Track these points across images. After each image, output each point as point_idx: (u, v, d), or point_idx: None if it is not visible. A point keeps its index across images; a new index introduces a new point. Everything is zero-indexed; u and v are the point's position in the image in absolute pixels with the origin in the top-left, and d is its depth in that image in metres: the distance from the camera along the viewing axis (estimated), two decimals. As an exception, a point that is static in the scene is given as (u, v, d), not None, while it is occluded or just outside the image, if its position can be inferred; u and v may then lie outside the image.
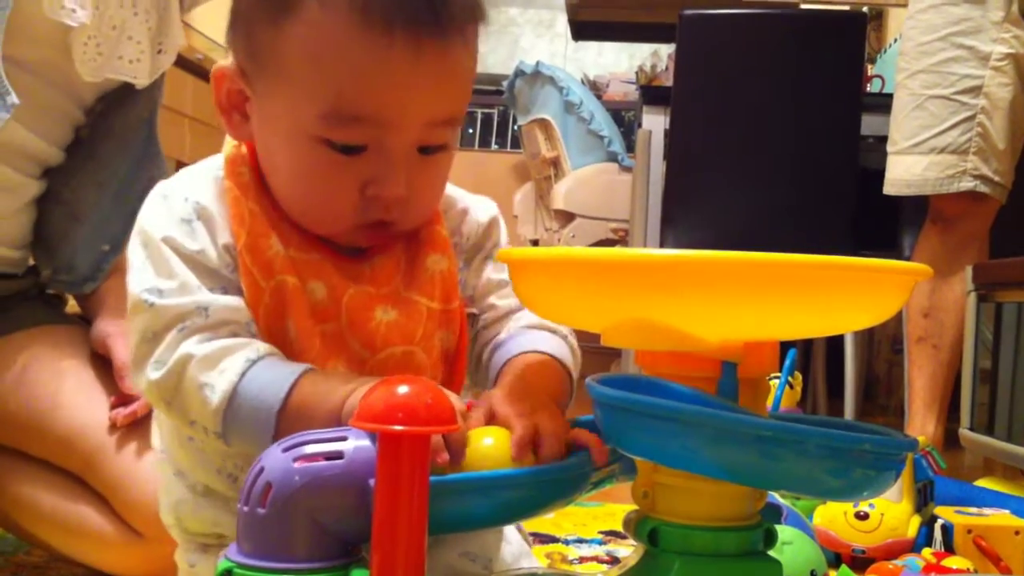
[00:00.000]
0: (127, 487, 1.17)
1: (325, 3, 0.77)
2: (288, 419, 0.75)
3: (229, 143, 0.88)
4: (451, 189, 0.92)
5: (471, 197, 0.95)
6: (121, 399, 1.22)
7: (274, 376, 0.77)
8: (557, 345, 0.88)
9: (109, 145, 1.36)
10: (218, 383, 0.77)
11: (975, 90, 2.10)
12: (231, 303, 0.80)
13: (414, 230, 0.87)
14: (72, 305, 1.47)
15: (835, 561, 1.49)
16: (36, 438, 1.23)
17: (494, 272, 0.92)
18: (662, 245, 2.82)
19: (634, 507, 0.72)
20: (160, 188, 0.86)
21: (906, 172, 2.18)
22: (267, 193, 0.85)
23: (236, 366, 0.77)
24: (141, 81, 1.34)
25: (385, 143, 0.79)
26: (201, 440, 0.82)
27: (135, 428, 1.20)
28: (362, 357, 0.84)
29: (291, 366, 0.78)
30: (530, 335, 0.89)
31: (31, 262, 1.39)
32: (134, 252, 0.83)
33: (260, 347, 0.79)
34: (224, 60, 0.86)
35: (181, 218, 0.82)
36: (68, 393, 1.24)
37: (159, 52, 1.36)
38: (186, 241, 0.81)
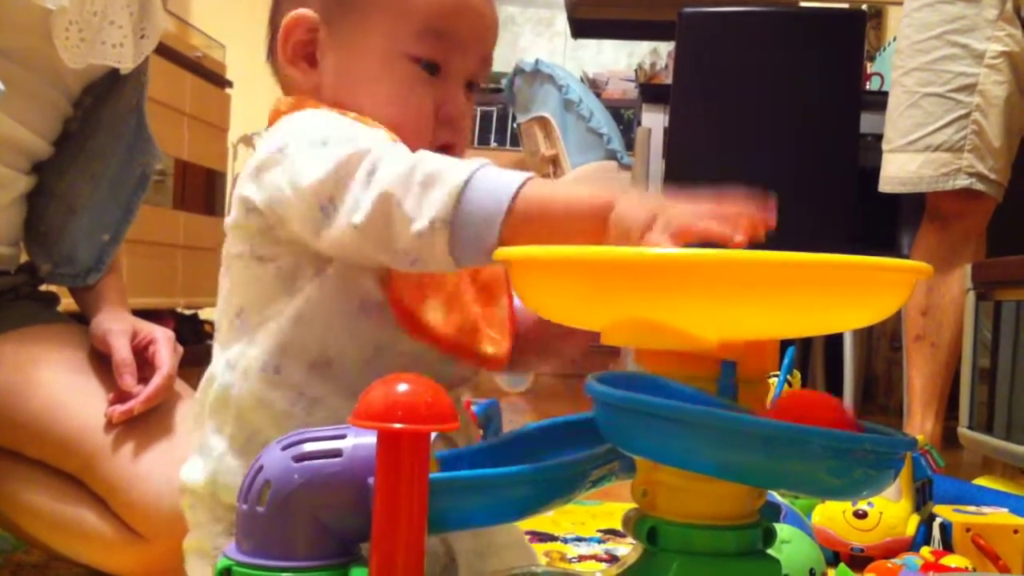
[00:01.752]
0: (127, 488, 1.17)
1: None
2: (520, 211, 0.73)
3: (299, 103, 0.90)
4: None
5: None
6: (119, 396, 1.21)
7: (502, 176, 0.75)
8: None
9: (100, 137, 1.36)
10: (456, 169, 0.74)
11: (970, 88, 2.10)
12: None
13: None
14: (65, 304, 1.46)
15: (834, 560, 1.49)
16: (34, 440, 1.22)
17: None
18: (661, 243, 2.82)
19: (633, 506, 0.72)
20: (299, 114, 0.88)
21: (901, 170, 2.18)
22: None
23: (460, 174, 0.74)
24: (125, 65, 1.33)
25: (453, 66, 0.91)
26: (414, 250, 0.76)
27: (133, 428, 1.19)
28: (472, 273, 0.92)
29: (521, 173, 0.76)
30: None
31: (23, 259, 1.39)
32: (280, 149, 0.83)
33: (476, 160, 0.77)
34: (297, 11, 0.92)
35: (336, 119, 0.85)
36: (65, 394, 1.23)
37: (142, 37, 1.36)
38: (348, 121, 0.84)
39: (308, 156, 0.80)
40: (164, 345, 1.26)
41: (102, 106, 1.37)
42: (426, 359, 0.86)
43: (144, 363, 1.25)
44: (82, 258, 1.36)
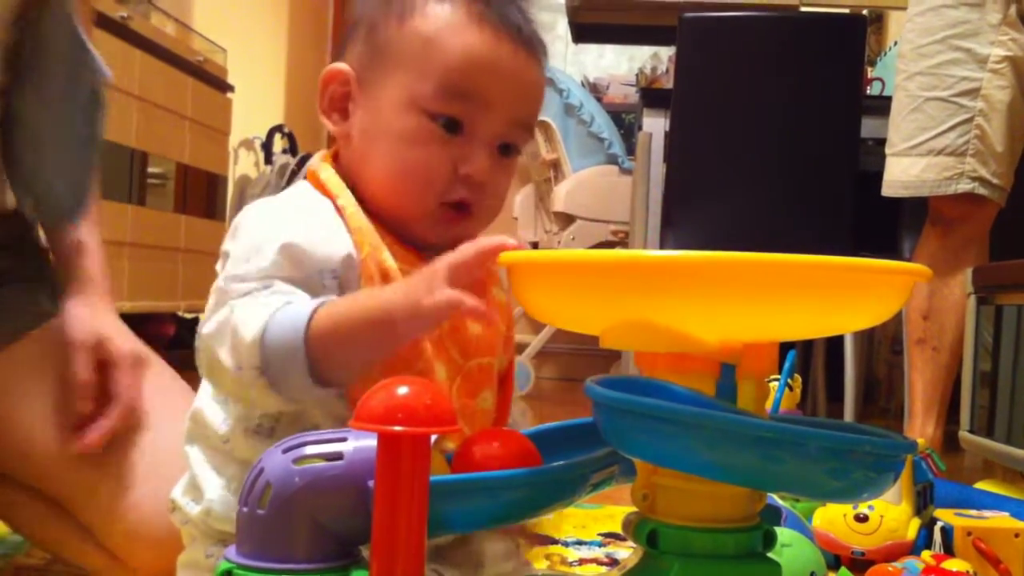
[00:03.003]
0: (108, 531, 1.15)
1: (446, 3, 0.91)
2: (319, 333, 0.78)
3: (322, 168, 0.93)
4: None
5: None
6: (81, 421, 1.17)
7: (305, 302, 0.80)
8: None
9: (41, 56, 1.30)
10: (254, 319, 0.80)
11: (973, 92, 2.10)
12: (296, 293, 0.83)
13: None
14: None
15: (834, 563, 1.48)
16: (17, 466, 1.21)
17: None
18: (662, 247, 2.82)
19: (633, 509, 0.73)
20: (265, 203, 0.91)
21: (904, 174, 2.18)
22: (368, 214, 0.90)
23: (275, 302, 0.80)
24: None
25: (478, 125, 0.90)
26: (250, 395, 0.83)
27: (107, 465, 1.17)
28: (458, 363, 0.90)
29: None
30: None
31: (11, 205, 1.32)
32: (232, 259, 0.86)
33: (302, 295, 0.82)
34: (334, 65, 0.95)
35: (302, 223, 0.87)
36: (40, 426, 1.19)
37: None
38: (303, 242, 0.85)
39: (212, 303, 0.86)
40: (124, 372, 1.20)
41: (38, 21, 1.30)
42: None
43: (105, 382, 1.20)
44: (60, 192, 1.30)
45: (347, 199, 0.90)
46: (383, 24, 0.92)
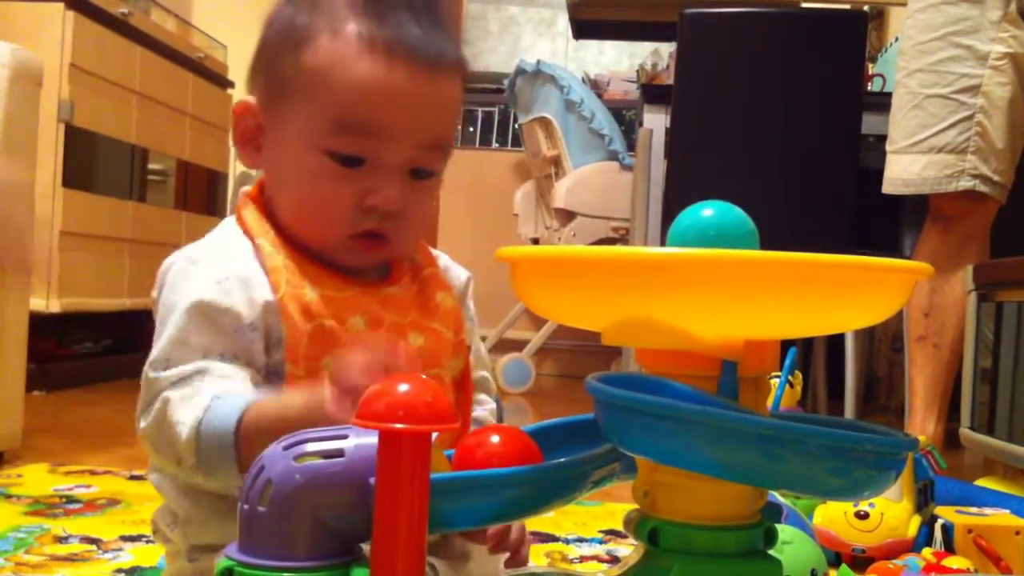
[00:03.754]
0: None
1: (336, 34, 0.88)
2: (247, 437, 0.79)
3: (244, 204, 0.94)
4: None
5: (443, 255, 1.03)
6: None
7: (233, 401, 0.81)
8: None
9: None
10: (187, 419, 0.81)
11: (973, 89, 2.10)
12: (232, 371, 0.85)
13: (416, 269, 0.96)
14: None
15: (835, 560, 1.49)
16: None
17: (471, 318, 1.02)
18: (663, 243, 2.82)
19: (634, 506, 0.72)
20: (185, 253, 0.91)
21: (904, 171, 2.18)
22: (290, 244, 0.91)
23: (203, 402, 0.82)
24: None
25: (381, 157, 0.88)
26: (192, 479, 0.85)
27: None
28: None
29: (254, 394, 0.82)
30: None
31: None
32: (158, 314, 0.88)
33: (233, 386, 0.83)
34: (242, 99, 0.95)
35: (214, 278, 0.87)
36: None
37: None
38: (215, 299, 0.86)
39: (158, 310, 0.89)
40: None
41: None
42: None
43: None
44: None
45: (265, 238, 0.90)
46: (280, 57, 0.91)
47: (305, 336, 0.86)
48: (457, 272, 1.03)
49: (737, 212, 0.70)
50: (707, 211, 0.69)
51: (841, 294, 0.64)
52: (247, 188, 0.96)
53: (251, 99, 0.93)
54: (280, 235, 0.91)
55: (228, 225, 0.94)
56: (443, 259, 1.02)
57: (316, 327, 0.87)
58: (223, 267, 0.87)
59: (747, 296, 0.62)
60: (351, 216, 0.88)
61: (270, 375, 0.87)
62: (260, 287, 0.87)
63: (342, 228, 0.89)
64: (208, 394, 0.82)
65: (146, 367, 0.86)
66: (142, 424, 0.86)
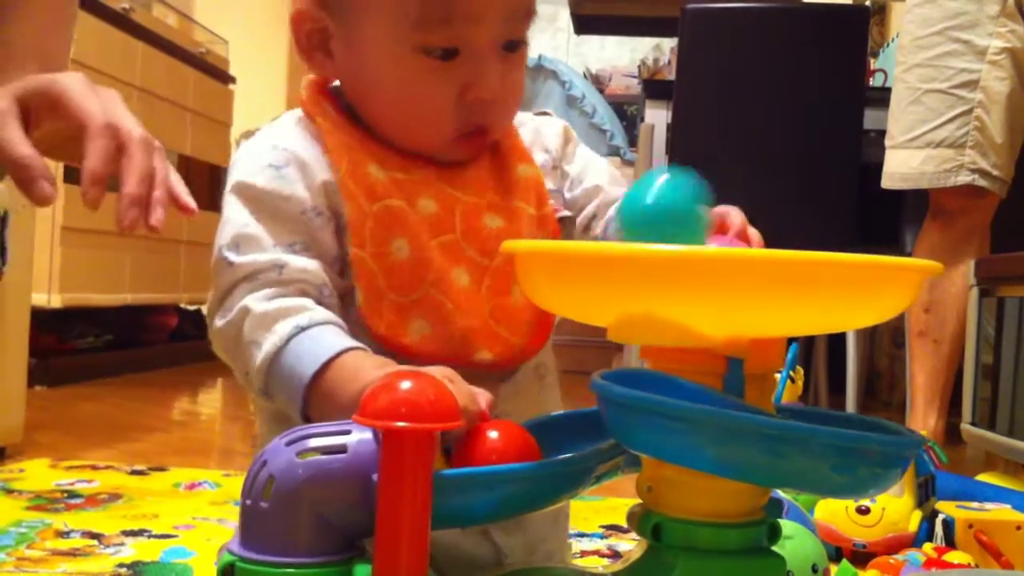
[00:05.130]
0: None
1: None
2: (317, 393, 0.76)
3: (305, 88, 0.90)
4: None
5: (535, 117, 0.98)
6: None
7: (314, 348, 0.77)
8: None
9: None
10: (265, 344, 0.78)
11: (972, 84, 2.10)
12: (308, 265, 0.82)
13: (496, 143, 0.91)
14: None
15: (836, 555, 1.49)
16: None
17: (583, 153, 0.98)
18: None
19: (637, 501, 0.72)
20: (247, 142, 0.88)
21: (903, 166, 2.18)
22: (357, 126, 0.87)
23: (285, 330, 0.78)
24: None
25: (475, 43, 0.83)
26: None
27: None
28: (480, 264, 0.86)
29: (337, 340, 0.78)
30: None
31: None
32: (224, 204, 0.85)
33: (316, 314, 0.80)
34: (298, 5, 0.88)
35: (270, 164, 0.84)
36: None
37: None
38: (275, 187, 0.83)
39: (225, 202, 0.86)
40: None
41: None
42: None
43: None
44: None
45: (327, 117, 0.86)
46: None
47: (371, 217, 0.83)
48: (550, 129, 0.97)
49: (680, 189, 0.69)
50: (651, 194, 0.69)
51: (848, 293, 0.64)
52: (305, 79, 0.91)
53: (304, 4, 0.87)
54: (344, 116, 0.87)
55: (290, 113, 0.89)
56: (532, 123, 0.97)
57: (382, 208, 0.83)
58: (281, 152, 0.84)
59: (754, 294, 0.62)
60: (456, 115, 0.84)
61: (345, 268, 0.84)
62: (319, 168, 0.84)
63: (449, 129, 0.85)
64: (291, 320, 0.78)
65: (216, 251, 0.83)
66: (217, 323, 0.82)
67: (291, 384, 0.77)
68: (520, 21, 0.86)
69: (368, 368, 0.76)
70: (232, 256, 0.82)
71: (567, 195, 0.96)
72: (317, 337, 0.78)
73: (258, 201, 0.83)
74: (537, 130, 0.96)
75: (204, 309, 0.85)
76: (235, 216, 0.83)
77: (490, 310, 0.86)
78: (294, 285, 0.81)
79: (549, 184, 0.93)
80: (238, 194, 0.84)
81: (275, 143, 0.85)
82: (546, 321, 0.90)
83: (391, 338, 0.83)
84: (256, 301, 0.80)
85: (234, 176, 0.85)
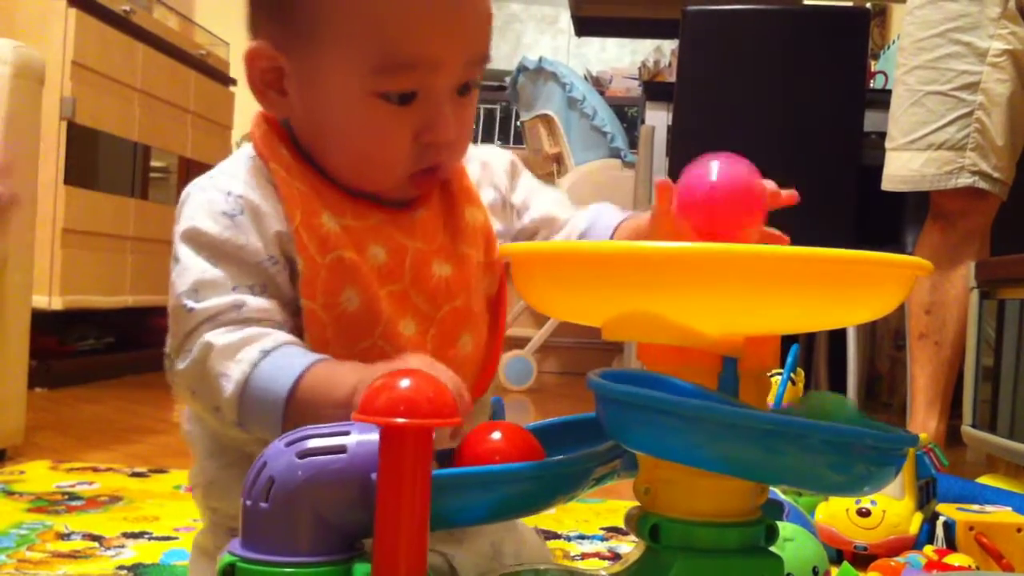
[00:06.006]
0: None
1: None
2: (295, 408, 0.76)
3: (257, 126, 0.89)
4: None
5: (481, 150, 0.99)
6: None
7: (285, 365, 0.78)
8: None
9: None
10: (233, 373, 0.78)
11: (973, 86, 2.10)
12: (266, 304, 0.82)
13: (445, 183, 0.91)
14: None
15: (837, 558, 1.49)
16: None
17: (529, 183, 0.99)
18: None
19: (636, 503, 0.73)
20: (198, 184, 0.88)
21: (903, 168, 2.18)
22: (310, 168, 0.87)
23: (251, 356, 0.79)
24: None
25: (434, 87, 0.83)
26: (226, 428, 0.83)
27: None
28: (427, 313, 0.86)
29: (305, 356, 0.79)
30: (610, 210, 0.98)
31: None
32: (177, 250, 0.85)
33: (280, 337, 0.80)
34: (253, 42, 0.87)
35: (223, 212, 0.84)
36: None
37: None
38: (230, 235, 0.83)
39: (177, 251, 0.85)
40: None
41: None
42: None
43: None
44: None
45: (279, 163, 0.85)
46: None
47: (323, 268, 0.83)
48: (498, 163, 0.98)
49: None
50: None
51: (840, 289, 0.64)
52: (256, 115, 0.90)
53: (262, 44, 0.86)
54: (297, 158, 0.86)
55: (243, 152, 0.89)
56: (479, 157, 0.97)
57: (334, 259, 0.83)
58: (235, 200, 0.84)
59: (748, 291, 0.62)
60: (411, 156, 0.85)
61: (299, 311, 0.84)
62: (273, 218, 0.83)
63: (403, 170, 0.85)
64: (255, 346, 0.79)
65: (174, 298, 0.83)
66: (179, 366, 0.82)
67: (265, 407, 0.77)
68: (477, 65, 0.86)
69: (344, 373, 0.76)
70: (191, 303, 0.82)
71: (516, 225, 0.97)
72: (285, 355, 0.79)
73: (214, 248, 0.83)
74: (486, 164, 0.97)
75: (168, 339, 0.86)
76: (191, 263, 0.83)
77: (438, 359, 0.85)
78: (254, 321, 0.82)
79: (498, 226, 0.95)
80: (191, 241, 0.84)
81: (229, 189, 0.85)
82: (489, 372, 0.92)
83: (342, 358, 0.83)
84: (218, 335, 0.80)
85: (186, 221, 0.85)
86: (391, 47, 0.81)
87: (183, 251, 0.84)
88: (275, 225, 0.84)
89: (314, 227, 0.83)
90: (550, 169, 4.35)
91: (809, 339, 3.31)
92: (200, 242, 0.83)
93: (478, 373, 0.91)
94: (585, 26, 4.68)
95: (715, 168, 0.71)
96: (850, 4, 4.11)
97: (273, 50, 0.86)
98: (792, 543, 1.18)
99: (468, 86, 0.86)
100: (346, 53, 0.82)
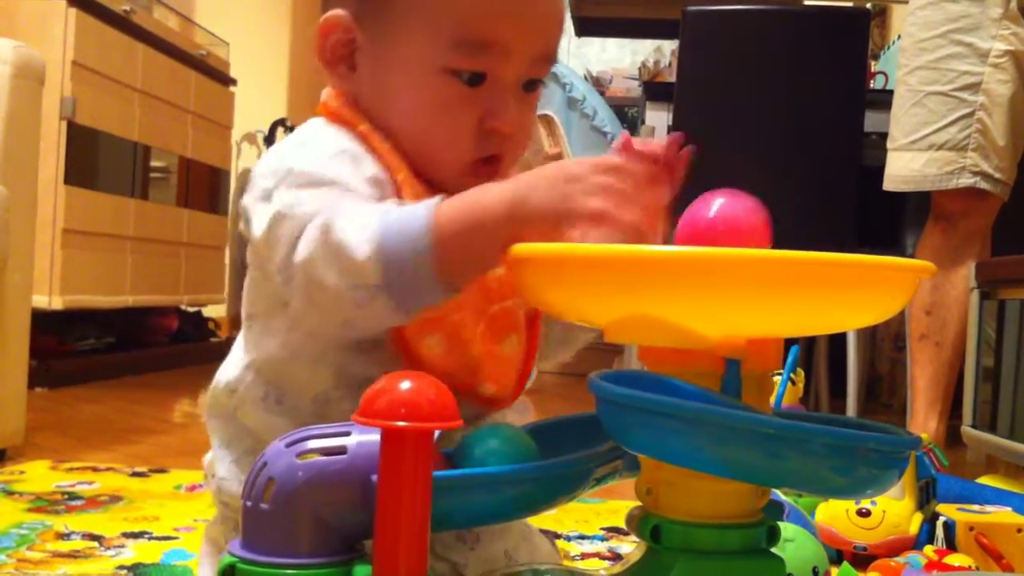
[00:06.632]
0: None
1: None
2: (443, 237, 0.73)
3: (333, 99, 0.89)
4: None
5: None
6: None
7: (411, 209, 0.75)
8: None
9: None
10: (362, 234, 0.74)
11: (974, 87, 2.10)
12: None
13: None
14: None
15: (837, 558, 1.49)
16: None
17: None
18: (666, 242, 2.82)
19: (637, 504, 0.73)
20: (290, 139, 0.86)
21: (905, 168, 2.18)
22: (386, 143, 0.86)
23: (374, 213, 0.75)
24: None
25: (502, 73, 0.85)
26: (363, 314, 0.76)
27: None
28: (479, 307, 0.86)
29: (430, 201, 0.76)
30: None
31: None
32: (262, 197, 0.80)
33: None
34: (331, 12, 0.88)
35: (327, 153, 0.82)
36: None
37: None
38: (328, 170, 0.80)
39: (258, 207, 0.81)
40: None
41: None
42: None
43: None
44: None
45: (366, 126, 0.85)
46: None
47: None
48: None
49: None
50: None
51: (844, 293, 0.64)
52: (328, 91, 0.90)
53: (340, 13, 0.87)
54: (374, 130, 0.86)
55: (314, 121, 0.88)
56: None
57: None
58: (331, 143, 0.83)
59: (751, 295, 0.62)
60: (474, 140, 0.85)
61: None
62: (369, 164, 0.83)
63: (465, 154, 0.85)
64: (375, 210, 0.75)
65: (270, 215, 0.78)
66: (297, 258, 0.76)
67: (411, 243, 0.73)
68: (544, 63, 0.88)
69: (486, 189, 0.74)
70: (291, 209, 0.78)
71: None
72: (408, 205, 0.76)
73: (310, 178, 0.80)
74: None
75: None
76: (286, 188, 0.80)
77: (484, 354, 0.86)
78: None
79: None
80: (283, 182, 0.80)
81: (326, 137, 0.85)
82: (525, 375, 0.92)
83: (411, 340, 0.82)
84: (324, 217, 0.76)
85: (276, 171, 0.81)
86: (469, 25, 0.83)
87: (280, 193, 0.80)
88: (371, 169, 0.83)
89: (412, 184, 0.83)
90: (550, 169, 4.35)
91: (809, 340, 3.31)
92: (294, 180, 0.80)
93: (517, 377, 0.91)
94: (585, 26, 4.68)
95: (716, 205, 0.71)
96: (850, 4, 4.11)
97: (351, 22, 0.87)
98: (792, 543, 1.18)
99: (533, 83, 0.88)
100: (424, 27, 0.84)
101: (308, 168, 0.80)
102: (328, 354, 0.83)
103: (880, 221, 2.83)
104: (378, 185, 0.82)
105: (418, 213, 0.74)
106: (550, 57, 0.88)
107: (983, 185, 2.10)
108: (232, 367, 0.89)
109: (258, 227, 0.80)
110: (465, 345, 0.84)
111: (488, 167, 0.87)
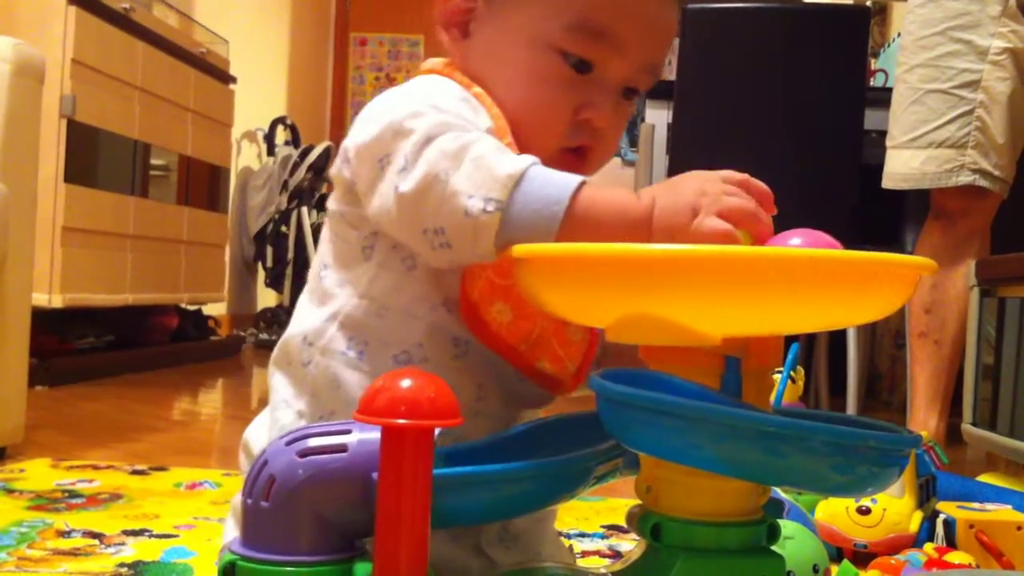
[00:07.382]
0: None
1: None
2: (577, 213, 0.73)
3: (444, 64, 0.89)
4: None
5: None
6: None
7: (562, 172, 0.75)
8: None
9: None
10: (510, 157, 0.74)
11: (973, 84, 2.10)
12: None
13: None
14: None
15: (837, 556, 1.49)
16: None
17: None
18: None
19: (637, 502, 0.73)
20: (406, 87, 0.86)
21: (904, 166, 2.18)
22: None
23: (520, 156, 0.75)
24: None
25: (609, 68, 0.86)
26: (454, 232, 0.74)
27: None
28: None
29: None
30: None
31: None
32: (400, 124, 0.78)
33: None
34: None
35: (453, 96, 0.83)
36: None
37: None
38: (459, 108, 0.81)
39: (383, 119, 0.79)
40: None
41: None
42: (503, 372, 0.85)
43: None
44: None
45: (481, 91, 0.86)
46: None
47: None
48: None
49: None
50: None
51: (845, 290, 0.64)
52: (433, 60, 0.91)
53: None
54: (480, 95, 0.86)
55: (429, 76, 0.88)
56: None
57: None
58: (455, 90, 0.84)
59: (750, 292, 0.62)
60: (566, 127, 0.86)
61: None
62: (487, 118, 0.83)
63: (557, 138, 0.86)
64: (526, 157, 0.74)
65: (409, 110, 0.78)
66: (432, 149, 0.75)
67: (549, 201, 0.72)
68: (648, 73, 0.89)
69: (624, 191, 0.75)
70: (412, 123, 0.77)
71: None
72: (551, 170, 0.75)
73: (441, 108, 0.79)
74: None
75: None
76: (427, 105, 0.79)
77: (553, 329, 0.86)
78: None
79: None
80: (409, 117, 0.78)
81: (443, 86, 0.85)
82: (589, 358, 0.91)
83: (478, 307, 0.82)
84: (442, 143, 0.75)
85: (393, 108, 0.79)
86: (591, 11, 0.83)
87: (413, 101, 0.79)
88: (488, 123, 0.83)
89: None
90: (550, 167, 4.35)
91: (809, 338, 3.31)
92: (430, 104, 0.79)
93: (580, 361, 0.91)
94: (585, 24, 4.68)
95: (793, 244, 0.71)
96: (850, 2, 4.11)
97: None
98: (792, 541, 1.18)
99: (632, 92, 0.88)
100: (546, 4, 0.84)
101: (440, 102, 0.81)
102: (419, 309, 0.83)
103: (880, 219, 2.83)
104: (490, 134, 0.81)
105: (567, 177, 0.74)
106: (656, 70, 0.89)
107: (982, 183, 2.10)
108: (310, 319, 0.87)
109: (377, 126, 0.78)
110: (532, 317, 0.84)
111: (575, 159, 0.88)
